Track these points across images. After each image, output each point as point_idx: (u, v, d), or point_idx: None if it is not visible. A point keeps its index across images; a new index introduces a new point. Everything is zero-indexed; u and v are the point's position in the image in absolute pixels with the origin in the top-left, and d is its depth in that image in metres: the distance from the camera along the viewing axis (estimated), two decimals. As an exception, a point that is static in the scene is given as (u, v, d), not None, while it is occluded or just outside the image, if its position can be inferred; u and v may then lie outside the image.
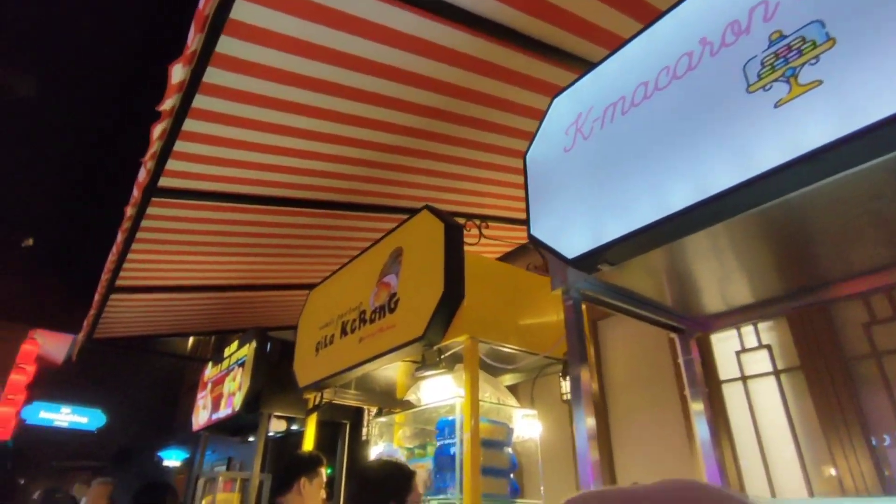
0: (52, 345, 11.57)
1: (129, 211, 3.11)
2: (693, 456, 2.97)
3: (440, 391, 2.43)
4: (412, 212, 2.62)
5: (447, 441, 2.11)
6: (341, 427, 4.76)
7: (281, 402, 4.00)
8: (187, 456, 12.82)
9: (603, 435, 3.46)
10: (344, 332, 2.87)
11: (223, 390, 4.39)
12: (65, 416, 13.31)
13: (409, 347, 2.33)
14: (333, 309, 3.06)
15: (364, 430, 4.97)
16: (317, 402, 3.17)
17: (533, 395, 3.25)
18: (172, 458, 13.10)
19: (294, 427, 4.18)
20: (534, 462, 2.52)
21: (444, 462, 2.07)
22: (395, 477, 1.80)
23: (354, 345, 2.72)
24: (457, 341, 2.21)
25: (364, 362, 2.59)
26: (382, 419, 3.04)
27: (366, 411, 5.05)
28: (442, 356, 2.24)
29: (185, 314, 5.47)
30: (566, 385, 2.94)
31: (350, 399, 3.29)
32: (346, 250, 3.97)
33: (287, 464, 2.72)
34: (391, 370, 3.07)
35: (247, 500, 5.05)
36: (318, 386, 3.07)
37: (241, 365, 4.15)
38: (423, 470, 2.23)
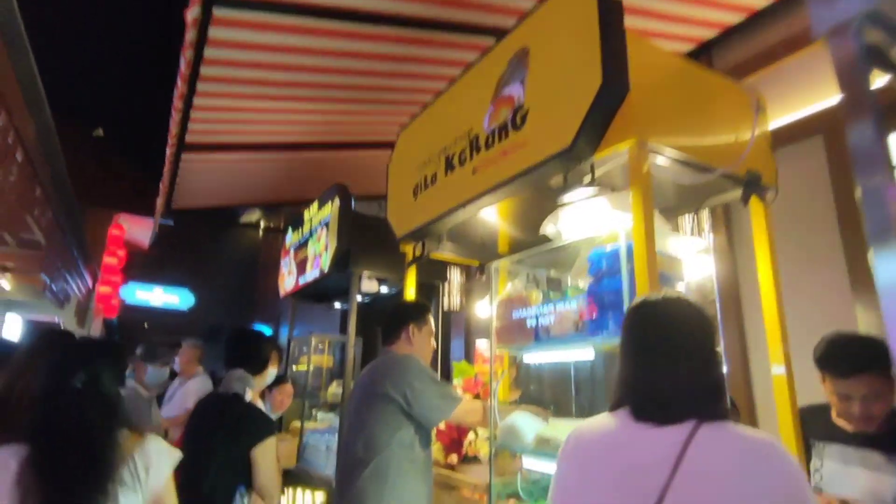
0: (137, 229, 12.11)
1: (189, 34, 2.63)
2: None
3: (577, 224, 1.97)
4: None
5: (606, 275, 1.67)
6: (434, 290, 4.55)
7: (371, 261, 3.72)
8: (271, 332, 13.70)
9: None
10: (450, 167, 2.40)
11: (308, 253, 4.18)
12: (158, 296, 14.36)
13: (545, 168, 1.84)
14: (432, 144, 2.58)
15: (446, 299, 4.74)
16: (416, 255, 2.82)
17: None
18: (258, 334, 14.03)
19: (384, 290, 3.93)
20: (709, 304, 2.09)
21: (605, 298, 1.64)
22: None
23: (466, 178, 2.25)
24: (617, 151, 1.68)
25: (482, 195, 2.14)
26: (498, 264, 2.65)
27: (453, 273, 4.78)
28: (594, 173, 1.74)
29: (258, 179, 5.21)
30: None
31: (449, 253, 2.92)
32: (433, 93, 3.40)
33: (393, 312, 2.42)
34: (493, 219, 2.63)
35: (339, 363, 5.10)
36: (420, 234, 2.68)
37: (326, 225, 3.86)
38: (569, 311, 1.83)
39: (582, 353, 1.94)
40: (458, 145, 2.35)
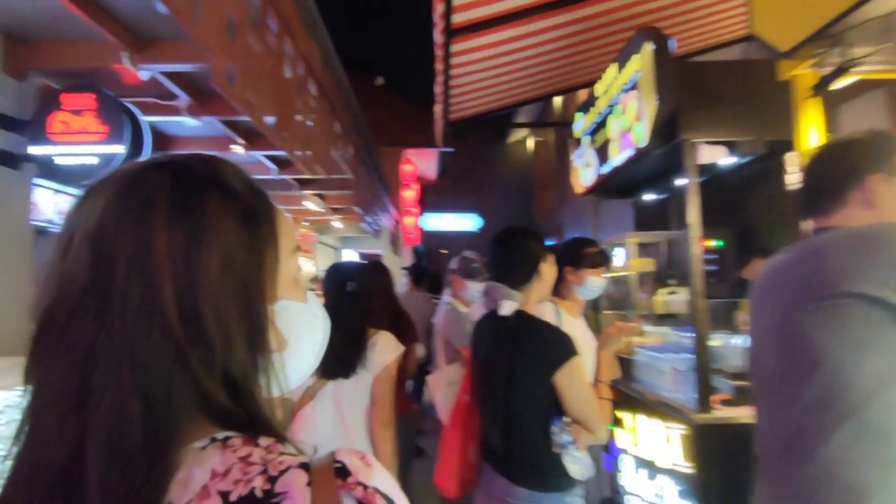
0: (424, 163, 13.17)
1: None
2: None
3: None
4: None
5: None
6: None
7: (709, 122, 2.62)
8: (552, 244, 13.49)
9: None
10: None
11: (610, 134, 3.28)
12: (452, 222, 15.66)
13: None
14: None
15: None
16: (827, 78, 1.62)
17: None
18: (542, 248, 14.04)
19: (726, 161, 2.78)
20: None
21: None
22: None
23: None
24: None
25: None
26: None
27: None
28: None
29: (532, 65, 4.47)
30: None
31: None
32: None
33: (829, 159, 1.35)
34: None
35: (667, 264, 4.19)
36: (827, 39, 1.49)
37: (633, 87, 2.88)
38: None
39: None
40: None
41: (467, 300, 3.22)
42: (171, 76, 4.13)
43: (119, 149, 3.60)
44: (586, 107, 3.84)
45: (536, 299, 1.88)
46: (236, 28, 2.60)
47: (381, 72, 15.24)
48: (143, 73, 3.78)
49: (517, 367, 1.69)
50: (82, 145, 3.61)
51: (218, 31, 2.39)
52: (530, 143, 16.18)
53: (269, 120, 3.28)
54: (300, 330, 0.56)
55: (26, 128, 3.64)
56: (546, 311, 2.27)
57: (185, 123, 5.39)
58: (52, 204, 6.25)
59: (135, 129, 3.76)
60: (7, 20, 3.41)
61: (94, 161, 3.62)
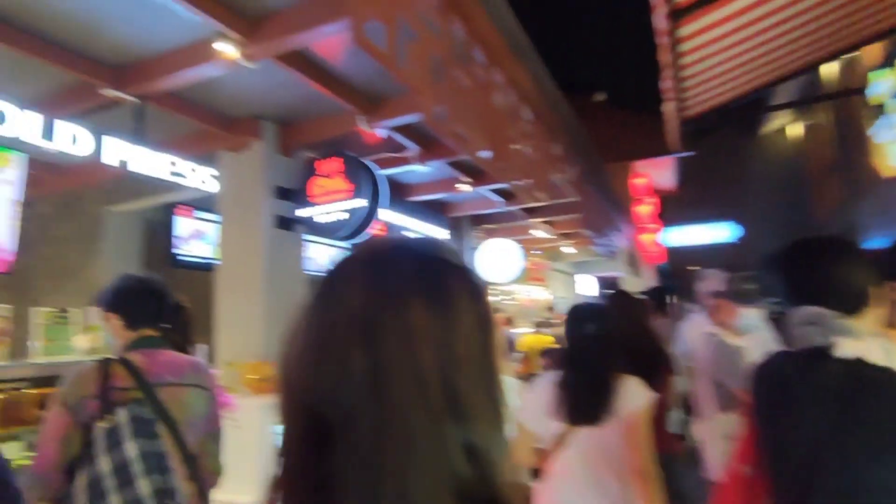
0: (659, 173, 11.97)
1: None
2: None
3: None
4: None
5: None
6: None
7: None
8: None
9: None
10: None
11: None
12: (702, 234, 13.82)
13: None
14: None
15: None
16: None
17: None
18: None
19: None
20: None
21: None
22: None
23: None
24: None
25: None
26: None
27: None
28: None
29: (791, 26, 3.52)
30: None
31: None
32: None
33: None
34: None
35: None
36: None
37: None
38: None
39: None
40: None
41: (738, 330, 2.55)
42: (400, 130, 4.50)
43: (363, 202, 4.01)
44: (890, 61, 2.81)
45: (869, 334, 1.26)
46: (442, 66, 2.61)
47: (600, 87, 14.65)
48: (381, 131, 4.19)
49: (857, 441, 1.12)
50: (334, 203, 4.13)
51: (423, 72, 2.40)
52: (793, 130, 13.33)
53: (485, 153, 3.22)
54: (512, 400, 0.67)
55: (294, 195, 4.35)
56: (872, 349, 1.56)
57: (417, 171, 5.86)
58: (325, 255, 7.43)
59: (374, 183, 4.15)
60: (278, 110, 4.17)
61: (345, 216, 4.10)
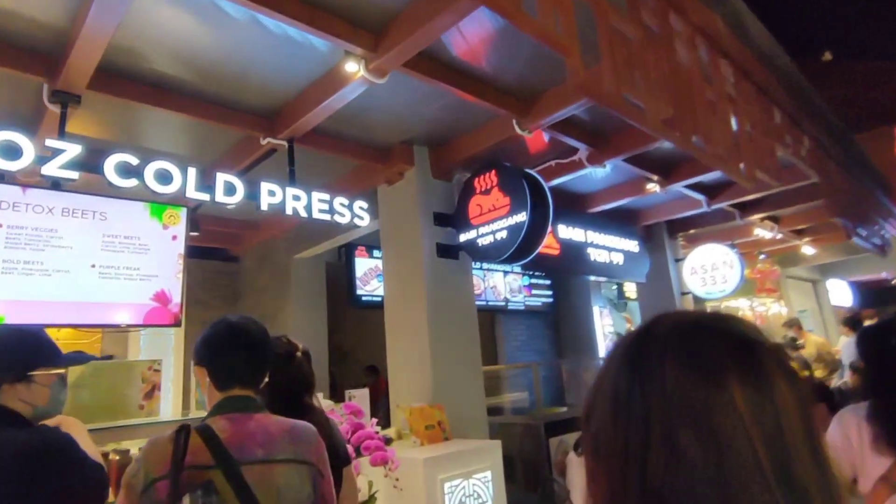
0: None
1: None
2: None
3: None
4: None
5: None
6: None
7: None
8: None
9: None
10: None
11: None
12: None
13: None
14: None
15: None
16: None
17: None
18: None
19: None
20: None
21: None
22: None
23: None
24: None
25: None
26: None
27: None
28: None
29: None
30: None
31: None
32: None
33: None
34: None
35: None
36: None
37: None
38: None
39: None
40: None
41: None
42: (564, 129, 3.84)
43: (522, 217, 3.43)
44: None
45: None
46: (590, 10, 1.93)
47: (821, 45, 11.82)
48: (542, 134, 3.60)
49: None
50: (493, 222, 3.62)
51: (567, 22, 1.76)
52: None
53: (667, 116, 2.37)
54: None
55: (454, 220, 3.96)
56: None
57: (593, 176, 5.05)
58: (505, 285, 6.97)
59: (535, 192, 3.54)
60: (427, 130, 3.87)
61: (504, 235, 3.56)
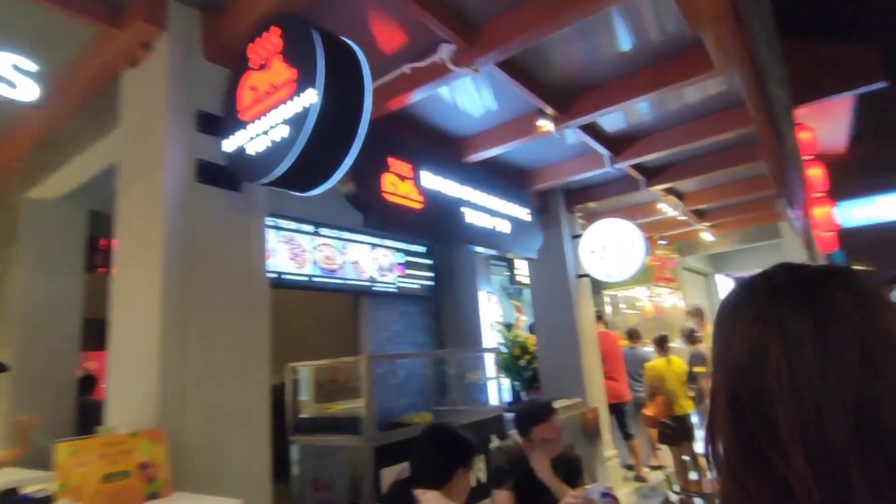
0: (825, 125, 8.77)
1: None
2: None
3: None
4: None
5: None
6: None
7: None
8: None
9: None
10: None
11: None
12: (887, 210, 10.16)
13: None
14: None
15: None
16: None
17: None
18: None
19: None
20: None
21: None
22: None
23: None
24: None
25: None
26: None
27: None
28: None
29: None
30: None
31: None
32: None
33: None
34: None
35: None
36: None
37: None
38: None
39: None
40: None
41: None
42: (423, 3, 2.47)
43: (311, 97, 1.96)
44: None
45: None
46: None
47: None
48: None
49: None
50: (269, 113, 2.15)
51: None
52: None
53: None
54: None
55: (223, 122, 2.43)
56: None
57: (469, 114, 3.76)
58: (372, 261, 5.55)
59: (342, 64, 2.10)
60: None
61: (285, 133, 2.09)
